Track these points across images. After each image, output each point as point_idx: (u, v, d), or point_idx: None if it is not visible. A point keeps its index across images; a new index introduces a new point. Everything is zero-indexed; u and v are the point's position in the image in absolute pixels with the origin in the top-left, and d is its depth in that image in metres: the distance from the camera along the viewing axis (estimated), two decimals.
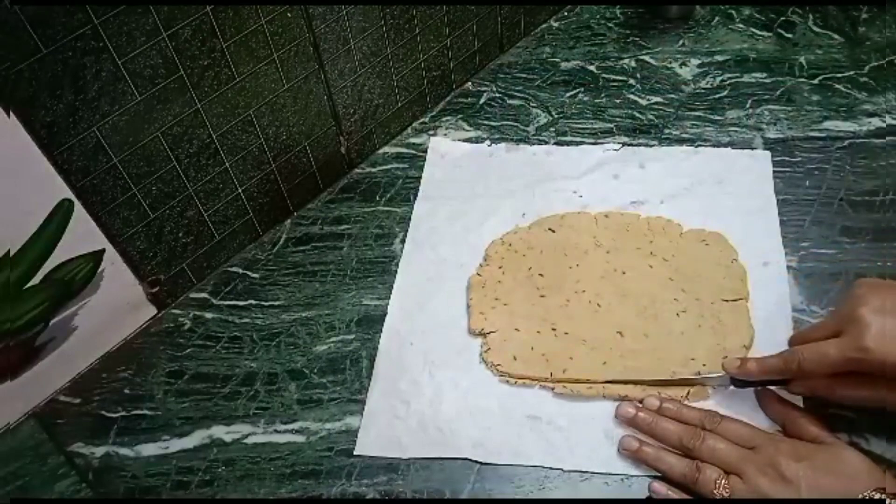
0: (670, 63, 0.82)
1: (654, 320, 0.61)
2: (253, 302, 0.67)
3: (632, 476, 0.54)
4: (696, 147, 0.73)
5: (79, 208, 0.56)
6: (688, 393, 0.56)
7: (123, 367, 0.64)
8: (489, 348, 0.61)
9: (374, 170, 0.77)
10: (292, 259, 0.70)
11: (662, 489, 0.52)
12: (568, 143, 0.76)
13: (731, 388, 0.56)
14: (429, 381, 0.60)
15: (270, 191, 0.70)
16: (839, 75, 0.78)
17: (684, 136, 0.75)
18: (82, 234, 0.57)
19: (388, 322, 0.64)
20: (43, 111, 0.50)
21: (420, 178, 0.75)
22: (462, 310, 0.64)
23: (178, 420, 0.60)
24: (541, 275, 0.64)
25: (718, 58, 0.82)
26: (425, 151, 0.77)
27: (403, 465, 0.56)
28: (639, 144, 0.75)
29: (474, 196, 0.72)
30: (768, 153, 0.72)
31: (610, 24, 0.88)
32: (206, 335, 0.65)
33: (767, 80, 0.79)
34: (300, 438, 0.58)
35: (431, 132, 0.79)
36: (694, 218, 0.67)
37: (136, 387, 0.62)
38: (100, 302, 0.61)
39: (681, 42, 0.85)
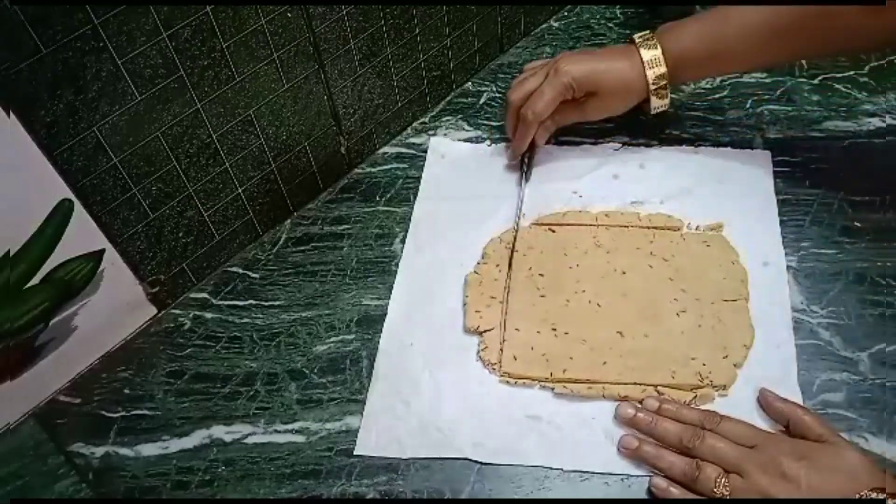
0: None
1: (654, 320, 0.61)
2: (253, 302, 0.67)
3: (632, 476, 0.54)
4: (697, 147, 0.73)
5: (79, 208, 0.56)
6: (695, 397, 0.56)
7: (123, 367, 0.64)
8: (486, 346, 0.61)
9: (374, 170, 0.77)
10: (292, 259, 0.70)
11: (663, 484, 0.52)
12: (568, 143, 0.75)
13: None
14: (429, 381, 0.60)
15: (270, 191, 0.70)
16: (839, 75, 0.78)
17: (684, 136, 0.75)
18: (82, 234, 0.57)
19: (388, 322, 0.64)
20: (43, 111, 0.50)
21: (420, 178, 0.75)
22: (461, 310, 0.64)
23: (178, 420, 0.60)
24: (541, 275, 0.64)
25: None
26: (425, 151, 0.77)
27: (403, 465, 0.56)
28: (639, 144, 0.74)
29: (474, 196, 0.72)
30: (768, 153, 0.72)
31: (610, 24, 0.88)
32: (206, 335, 0.65)
33: (767, 80, 0.79)
34: (300, 438, 0.58)
35: (431, 132, 0.79)
36: (694, 218, 0.67)
37: (136, 387, 0.62)
38: (100, 302, 0.61)
39: None
